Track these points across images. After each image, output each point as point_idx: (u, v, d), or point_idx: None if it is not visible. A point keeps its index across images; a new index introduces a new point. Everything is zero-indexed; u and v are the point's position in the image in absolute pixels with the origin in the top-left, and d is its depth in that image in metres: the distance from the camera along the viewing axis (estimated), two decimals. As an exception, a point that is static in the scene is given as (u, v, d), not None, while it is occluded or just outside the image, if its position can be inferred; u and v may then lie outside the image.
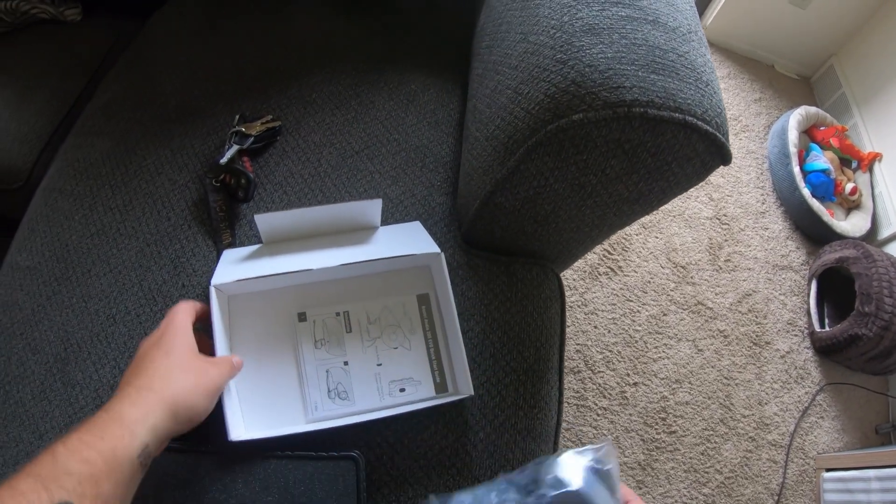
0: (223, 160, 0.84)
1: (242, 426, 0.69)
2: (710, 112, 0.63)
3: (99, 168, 0.96)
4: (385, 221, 0.85)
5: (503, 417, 0.77)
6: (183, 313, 0.65)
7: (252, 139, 0.87)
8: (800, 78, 2.20)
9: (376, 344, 0.75)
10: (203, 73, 1.02)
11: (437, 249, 0.76)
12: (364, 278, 0.78)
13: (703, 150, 0.64)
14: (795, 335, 1.55)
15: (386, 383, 0.74)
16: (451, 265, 0.83)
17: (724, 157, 0.66)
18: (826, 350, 1.57)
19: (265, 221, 0.76)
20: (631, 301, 1.50)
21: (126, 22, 1.29)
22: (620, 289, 1.51)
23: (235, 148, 0.85)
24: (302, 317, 0.76)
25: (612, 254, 1.54)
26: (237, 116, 0.91)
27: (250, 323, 0.75)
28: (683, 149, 0.63)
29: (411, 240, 0.79)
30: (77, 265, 0.90)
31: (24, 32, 1.28)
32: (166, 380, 0.57)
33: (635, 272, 1.54)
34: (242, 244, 0.84)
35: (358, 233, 0.81)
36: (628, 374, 1.42)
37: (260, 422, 0.71)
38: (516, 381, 0.79)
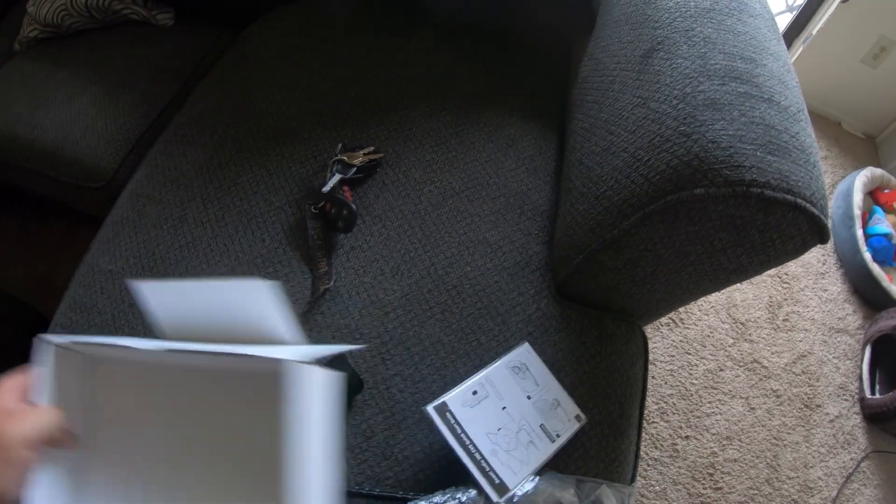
0: (326, 189, 0.83)
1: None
2: (817, 195, 0.64)
3: (191, 179, 0.96)
4: (482, 266, 0.84)
5: (585, 469, 0.76)
6: None
7: (354, 169, 0.86)
8: (865, 137, 2.18)
9: None
10: (301, 94, 1.02)
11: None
12: None
13: (806, 229, 0.65)
14: (846, 400, 1.53)
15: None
16: (544, 316, 0.83)
17: (823, 237, 0.66)
18: (875, 417, 1.54)
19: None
20: (689, 354, 1.50)
21: (218, 32, 1.29)
22: (680, 341, 1.51)
23: (338, 177, 0.85)
24: None
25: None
26: (340, 145, 0.90)
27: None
28: (789, 228, 0.64)
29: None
30: (163, 276, 0.89)
31: (114, 32, 1.29)
32: None
33: (696, 325, 1.54)
34: (339, 274, 0.83)
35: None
36: (681, 427, 1.41)
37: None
38: (600, 433, 0.78)
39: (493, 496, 0.66)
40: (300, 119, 0.98)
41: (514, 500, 0.67)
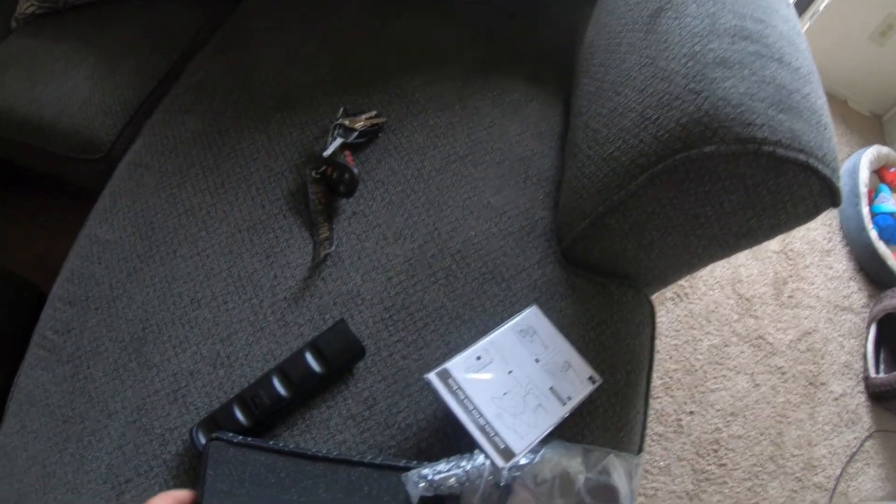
0: (327, 153, 0.82)
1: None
2: (829, 156, 0.63)
3: (189, 147, 0.95)
4: (487, 231, 0.83)
5: (591, 438, 0.74)
6: None
7: (356, 133, 0.85)
8: (872, 115, 2.16)
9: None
10: (301, 63, 1.00)
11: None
12: None
13: (818, 191, 0.64)
14: (850, 378, 1.53)
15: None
16: (550, 281, 0.81)
17: (835, 199, 0.65)
18: (879, 396, 1.54)
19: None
20: (694, 329, 1.49)
21: (217, 2, 1.27)
22: (685, 316, 1.50)
23: (339, 141, 0.83)
24: None
25: (679, 280, 1.51)
26: (341, 109, 0.88)
27: None
28: (800, 190, 0.63)
29: None
30: (162, 244, 0.88)
31: (112, 5, 1.27)
32: None
33: (700, 300, 1.53)
34: (340, 240, 0.82)
35: None
36: (685, 403, 1.41)
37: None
38: (606, 402, 0.77)
39: (499, 461, 0.65)
40: (300, 87, 0.96)
41: (520, 468, 0.66)
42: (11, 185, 1.64)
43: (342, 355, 0.74)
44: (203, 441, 0.70)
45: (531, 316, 0.76)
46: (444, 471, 0.65)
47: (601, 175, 0.76)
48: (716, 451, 1.37)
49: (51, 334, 0.87)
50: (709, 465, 1.35)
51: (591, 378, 0.74)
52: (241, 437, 0.66)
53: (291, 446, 0.66)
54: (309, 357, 0.73)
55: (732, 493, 1.33)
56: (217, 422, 0.72)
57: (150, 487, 0.72)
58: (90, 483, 0.74)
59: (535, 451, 0.67)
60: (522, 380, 0.71)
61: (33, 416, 0.81)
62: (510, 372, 0.71)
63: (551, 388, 0.71)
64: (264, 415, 0.71)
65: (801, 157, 0.60)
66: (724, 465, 1.35)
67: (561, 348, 0.74)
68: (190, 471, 0.73)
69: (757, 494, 1.34)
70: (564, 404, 0.70)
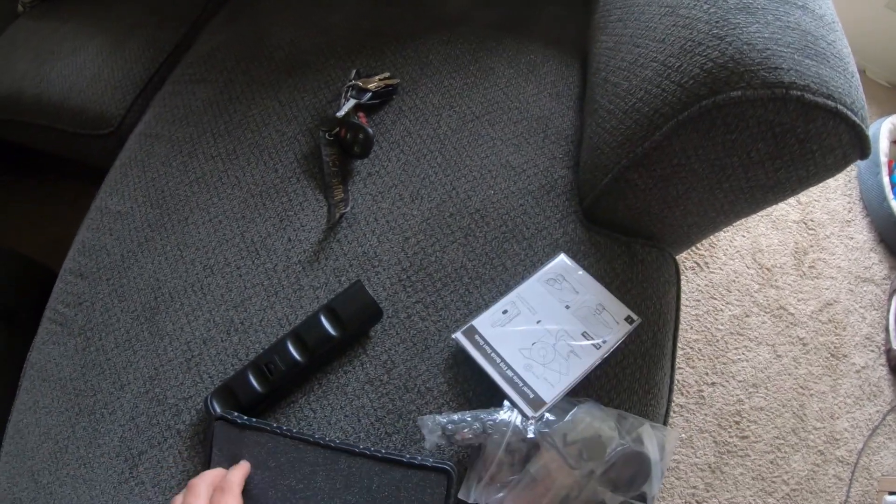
0: (340, 113, 0.80)
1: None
2: (857, 103, 0.61)
3: (200, 116, 0.93)
4: (506, 190, 0.80)
5: (618, 401, 0.72)
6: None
7: (370, 94, 0.83)
8: (890, 86, 2.11)
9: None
10: (313, 28, 0.98)
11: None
12: None
13: (847, 141, 0.62)
14: (872, 351, 1.49)
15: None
16: (572, 241, 0.78)
17: (864, 150, 0.63)
18: (900, 369, 1.51)
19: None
20: (715, 299, 1.46)
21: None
22: (706, 285, 1.47)
23: (352, 102, 0.81)
24: None
25: (699, 249, 1.51)
26: (354, 71, 0.86)
27: None
28: (829, 138, 0.61)
29: None
30: (173, 212, 0.86)
31: (118, -20, 1.26)
32: None
33: (721, 269, 1.50)
34: (355, 201, 0.80)
35: None
36: (707, 374, 1.38)
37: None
38: (633, 364, 0.74)
39: (528, 411, 0.63)
40: (312, 52, 0.94)
41: (550, 425, 0.64)
42: (25, 168, 1.65)
43: (358, 317, 0.71)
44: (219, 410, 0.68)
45: (559, 264, 0.73)
46: (458, 420, 0.63)
47: (623, 128, 0.74)
48: (738, 423, 1.34)
49: (62, 308, 0.86)
50: (731, 437, 1.33)
51: (628, 318, 0.70)
52: (245, 418, 0.65)
53: (294, 431, 0.64)
54: (324, 320, 0.71)
55: (754, 466, 1.31)
56: (232, 390, 0.70)
57: (164, 459, 0.71)
58: (103, 457, 0.73)
59: (566, 410, 0.65)
60: (552, 328, 0.68)
61: (45, 392, 0.80)
62: (538, 322, 0.69)
63: (584, 334, 0.68)
64: (280, 381, 0.69)
65: (830, 103, 0.58)
66: (746, 437, 1.33)
67: (593, 291, 0.72)
68: (205, 441, 0.71)
69: (779, 467, 1.32)
70: (599, 348, 0.67)
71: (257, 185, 0.84)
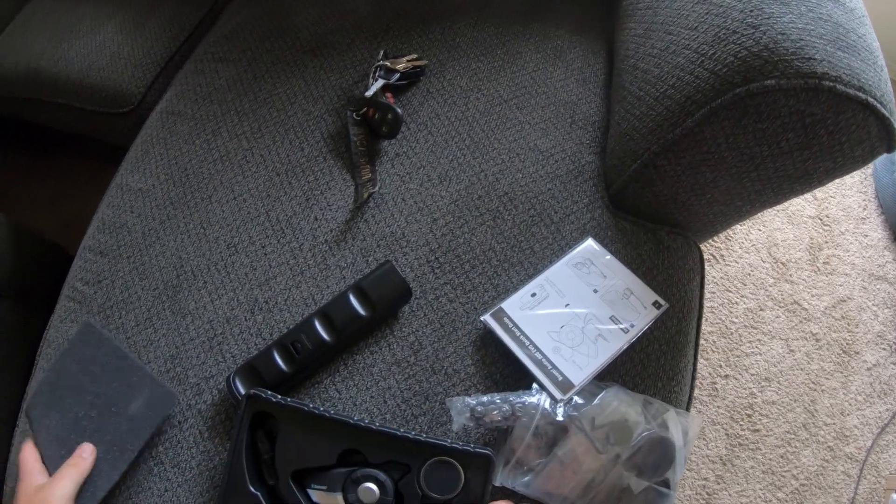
0: (369, 93, 0.79)
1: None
2: (886, 97, 0.62)
3: (224, 94, 0.92)
4: (534, 174, 0.80)
5: (643, 386, 0.72)
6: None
7: (398, 75, 0.82)
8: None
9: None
10: (337, 8, 0.97)
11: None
12: None
13: (875, 133, 0.62)
14: (884, 349, 1.49)
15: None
16: (599, 226, 0.78)
17: (891, 143, 0.64)
18: (911, 368, 1.51)
19: None
20: (730, 291, 1.46)
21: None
22: (721, 278, 1.47)
23: (381, 82, 0.81)
24: None
25: (715, 241, 1.51)
26: (382, 52, 0.86)
27: None
28: (858, 130, 0.61)
29: None
30: (196, 190, 0.86)
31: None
32: None
33: (736, 262, 1.50)
34: (383, 181, 0.79)
35: None
36: (720, 366, 1.38)
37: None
38: (657, 350, 0.74)
39: (557, 394, 0.62)
40: (337, 32, 0.93)
41: (578, 409, 0.63)
42: (39, 147, 1.64)
43: (388, 298, 0.71)
44: (241, 390, 0.68)
45: (587, 248, 0.73)
46: (487, 402, 0.63)
47: (654, 114, 0.73)
48: (749, 416, 1.35)
49: (81, 285, 0.85)
50: (742, 430, 1.33)
51: (655, 303, 0.71)
52: (279, 397, 0.63)
53: (332, 412, 0.62)
54: (353, 299, 0.71)
55: (765, 460, 1.31)
56: (256, 369, 0.69)
57: (184, 439, 0.70)
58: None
59: (594, 394, 0.65)
60: (580, 311, 0.68)
61: (63, 370, 0.79)
62: (567, 305, 0.69)
63: (611, 318, 0.68)
64: (306, 361, 0.69)
65: (861, 95, 0.59)
66: (757, 430, 1.33)
67: (621, 276, 0.72)
68: (226, 421, 0.70)
69: (789, 462, 1.32)
70: (626, 332, 0.67)
71: (283, 163, 0.83)
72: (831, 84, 0.58)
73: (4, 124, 1.45)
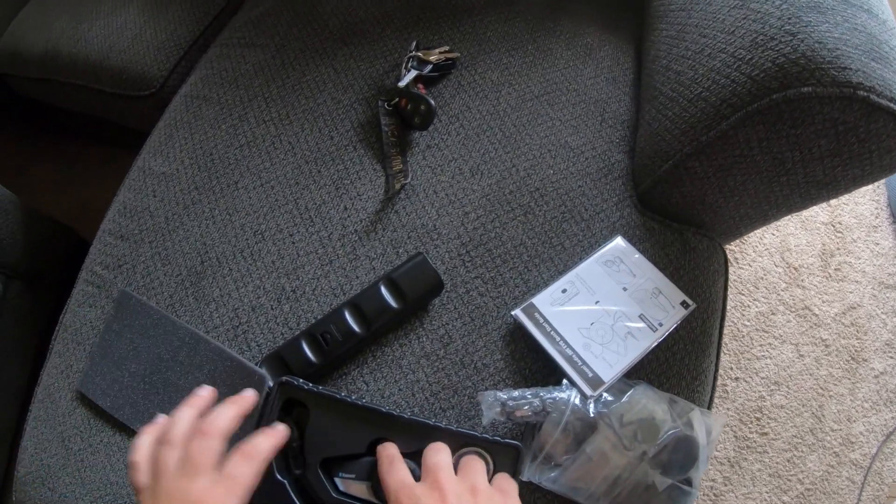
0: (402, 83, 0.79)
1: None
2: None
3: (251, 79, 0.92)
4: (565, 170, 0.80)
5: (668, 385, 0.72)
6: None
7: (430, 66, 0.82)
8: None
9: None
10: (367, -3, 0.96)
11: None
12: None
13: None
14: (891, 357, 1.51)
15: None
16: (627, 224, 0.78)
17: None
18: (917, 377, 1.52)
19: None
20: (742, 294, 1.47)
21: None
22: (734, 280, 1.48)
23: (413, 73, 0.80)
24: None
25: (729, 244, 1.50)
26: (414, 43, 0.85)
27: None
28: (888, 140, 0.62)
29: None
30: (222, 176, 0.85)
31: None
32: None
33: (749, 266, 1.51)
34: (414, 173, 0.79)
35: None
36: (731, 368, 1.40)
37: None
38: (682, 349, 0.74)
39: (587, 390, 0.63)
40: (368, 21, 0.93)
41: (608, 405, 0.64)
42: (52, 131, 1.63)
43: (420, 290, 0.70)
44: (269, 379, 0.67)
45: (617, 246, 0.73)
46: (518, 397, 0.63)
47: (687, 116, 0.73)
48: (758, 419, 1.36)
49: (100, 269, 0.84)
50: (751, 432, 1.34)
51: (683, 303, 0.71)
52: (310, 385, 0.62)
53: (364, 401, 0.60)
54: (384, 291, 0.70)
55: (772, 464, 1.33)
56: (283, 358, 0.69)
57: (207, 428, 0.70)
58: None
59: (623, 391, 0.65)
60: (610, 309, 0.69)
61: (80, 356, 0.79)
62: (597, 302, 0.69)
63: (640, 316, 0.68)
64: (335, 352, 0.68)
65: (893, 106, 0.59)
66: (765, 433, 1.35)
67: (650, 275, 0.72)
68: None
69: (795, 466, 1.33)
70: (655, 331, 0.68)
71: (312, 151, 0.83)
72: (865, 94, 0.59)
73: (19, 107, 1.43)
